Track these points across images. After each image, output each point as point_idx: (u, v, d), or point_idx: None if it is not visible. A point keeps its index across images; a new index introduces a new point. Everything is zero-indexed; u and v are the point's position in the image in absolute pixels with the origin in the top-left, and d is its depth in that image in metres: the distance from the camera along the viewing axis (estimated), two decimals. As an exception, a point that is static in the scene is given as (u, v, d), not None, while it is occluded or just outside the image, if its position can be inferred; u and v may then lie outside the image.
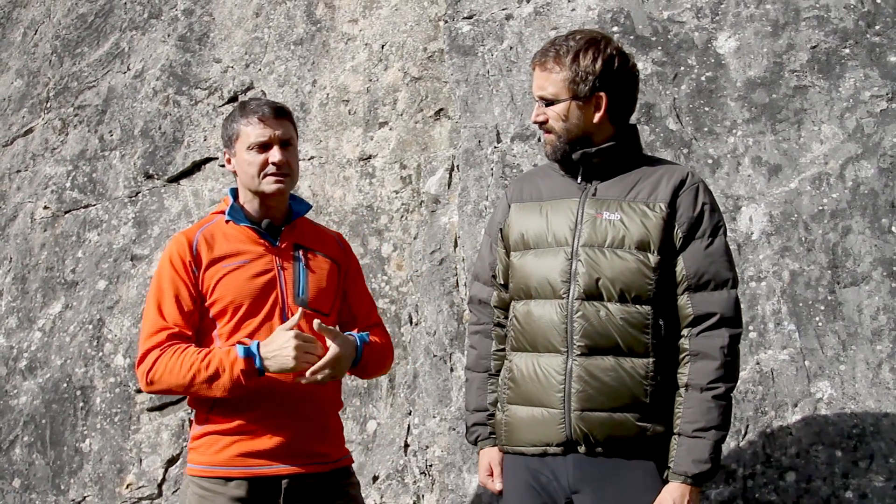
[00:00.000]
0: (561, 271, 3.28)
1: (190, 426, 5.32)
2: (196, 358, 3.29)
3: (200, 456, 3.45)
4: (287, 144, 3.50)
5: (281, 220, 3.58)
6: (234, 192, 3.61)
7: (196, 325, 3.43)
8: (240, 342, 3.35)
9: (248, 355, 3.29)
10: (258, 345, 3.32)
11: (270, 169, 3.45)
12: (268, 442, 3.40)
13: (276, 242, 3.54)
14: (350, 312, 3.75)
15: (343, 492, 3.57)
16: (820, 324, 4.39)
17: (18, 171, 6.55)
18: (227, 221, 3.53)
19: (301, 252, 3.58)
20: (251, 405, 3.39)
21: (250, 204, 3.54)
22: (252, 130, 3.46)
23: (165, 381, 3.32)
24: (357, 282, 3.81)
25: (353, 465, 3.75)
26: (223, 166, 5.83)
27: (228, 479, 3.39)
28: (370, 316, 3.79)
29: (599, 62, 3.29)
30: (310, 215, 3.82)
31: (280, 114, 3.51)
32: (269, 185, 3.47)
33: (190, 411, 5.36)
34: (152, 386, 3.35)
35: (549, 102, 3.35)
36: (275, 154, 3.45)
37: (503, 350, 3.55)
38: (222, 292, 3.41)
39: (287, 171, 3.49)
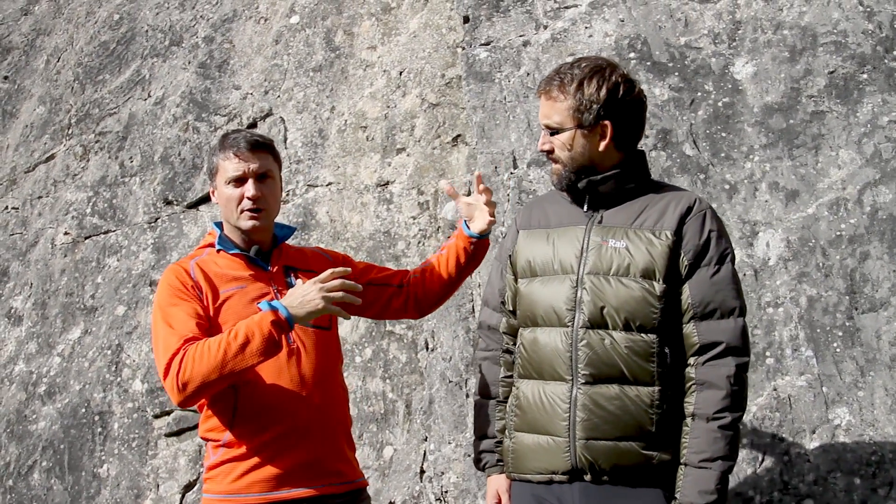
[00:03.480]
0: (566, 299, 3.26)
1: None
2: (220, 337, 3.22)
3: (217, 485, 3.42)
4: (264, 177, 3.50)
5: (269, 246, 3.59)
6: (220, 225, 3.62)
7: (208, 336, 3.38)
8: (257, 301, 3.33)
9: (273, 308, 3.23)
10: (277, 300, 3.29)
11: (246, 204, 3.46)
12: (284, 465, 3.37)
13: (268, 267, 3.54)
14: (380, 282, 3.79)
15: None
16: (838, 350, 4.34)
17: (40, 197, 6.60)
18: (218, 251, 3.53)
19: (293, 274, 3.58)
20: (265, 429, 3.36)
21: (235, 234, 3.55)
22: (228, 165, 3.48)
23: (198, 374, 3.19)
24: (358, 266, 3.81)
25: (369, 488, 3.72)
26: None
27: None
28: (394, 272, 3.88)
29: (604, 90, 3.27)
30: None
31: (256, 147, 3.50)
32: (244, 221, 3.49)
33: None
34: (185, 390, 3.20)
35: (555, 131, 3.33)
36: (249, 189, 3.45)
37: (510, 377, 3.52)
38: (224, 318, 3.39)
39: (262, 206, 3.49)
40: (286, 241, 3.69)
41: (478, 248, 3.79)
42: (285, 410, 3.38)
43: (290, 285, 3.52)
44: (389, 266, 5.33)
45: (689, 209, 3.28)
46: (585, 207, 3.36)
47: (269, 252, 3.58)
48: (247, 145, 3.48)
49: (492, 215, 3.71)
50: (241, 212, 3.47)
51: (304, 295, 3.23)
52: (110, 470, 5.53)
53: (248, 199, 3.45)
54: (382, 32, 6.05)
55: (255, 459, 3.37)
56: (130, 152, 6.39)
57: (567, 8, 5.51)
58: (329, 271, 3.26)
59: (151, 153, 6.31)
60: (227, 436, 3.40)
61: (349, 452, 3.62)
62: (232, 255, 3.52)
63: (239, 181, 3.47)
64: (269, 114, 6.07)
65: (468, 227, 3.75)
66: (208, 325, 3.35)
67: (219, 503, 3.40)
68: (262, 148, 3.53)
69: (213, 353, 3.19)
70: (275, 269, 3.55)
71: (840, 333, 4.37)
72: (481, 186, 3.70)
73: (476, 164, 5.35)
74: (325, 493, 3.44)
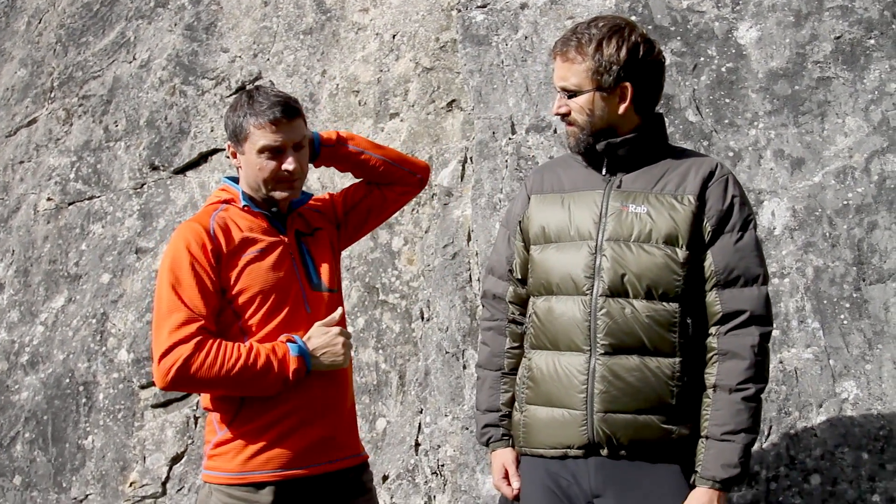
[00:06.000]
0: (584, 266, 3.15)
1: (195, 423, 5.23)
2: (239, 353, 3.12)
3: (227, 462, 3.27)
4: (299, 147, 3.35)
5: (286, 209, 3.45)
6: (235, 180, 3.47)
7: (216, 319, 3.24)
8: (289, 339, 3.22)
9: (301, 354, 3.18)
10: (303, 343, 3.22)
11: (283, 174, 3.31)
12: (299, 442, 3.25)
13: (284, 231, 3.41)
14: (360, 198, 3.73)
15: (364, 488, 3.46)
16: (845, 322, 4.26)
17: (22, 162, 6.46)
18: (243, 207, 3.37)
19: (302, 239, 3.45)
20: (279, 403, 3.23)
21: (256, 194, 3.39)
22: (264, 134, 3.27)
23: (200, 379, 3.09)
24: (337, 198, 3.73)
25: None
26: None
27: (260, 486, 3.23)
28: None
29: (624, 51, 3.16)
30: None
31: (293, 114, 3.32)
32: (279, 192, 3.34)
33: (196, 409, 5.26)
34: (177, 385, 3.12)
35: (572, 94, 3.21)
36: (289, 162, 3.29)
37: (517, 348, 3.42)
38: (247, 283, 3.25)
39: (298, 176, 3.35)
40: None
41: (334, 151, 3.62)
42: (301, 384, 3.24)
43: (303, 253, 3.41)
44: (383, 234, 5.23)
45: (712, 174, 3.18)
46: (604, 171, 3.26)
47: (285, 216, 3.45)
48: (283, 114, 3.29)
49: None
50: (278, 182, 3.32)
51: (330, 346, 3.25)
52: (95, 441, 5.42)
53: (289, 171, 3.30)
54: (374, -5, 5.92)
55: (270, 435, 3.24)
56: (115, 116, 6.24)
57: (566, -30, 5.39)
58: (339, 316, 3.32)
59: (137, 117, 6.16)
60: (239, 408, 3.26)
61: (356, 425, 3.53)
62: (255, 213, 3.37)
63: (275, 152, 3.30)
64: (258, 77, 5.93)
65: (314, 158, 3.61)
66: (217, 304, 3.22)
67: (229, 481, 3.26)
68: (297, 114, 3.35)
69: (226, 366, 3.11)
70: (290, 234, 3.42)
71: (847, 305, 4.29)
72: None
73: (472, 129, 5.23)
74: (340, 468, 3.34)
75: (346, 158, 3.65)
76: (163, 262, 3.26)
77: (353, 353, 3.35)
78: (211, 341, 3.12)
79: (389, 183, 3.72)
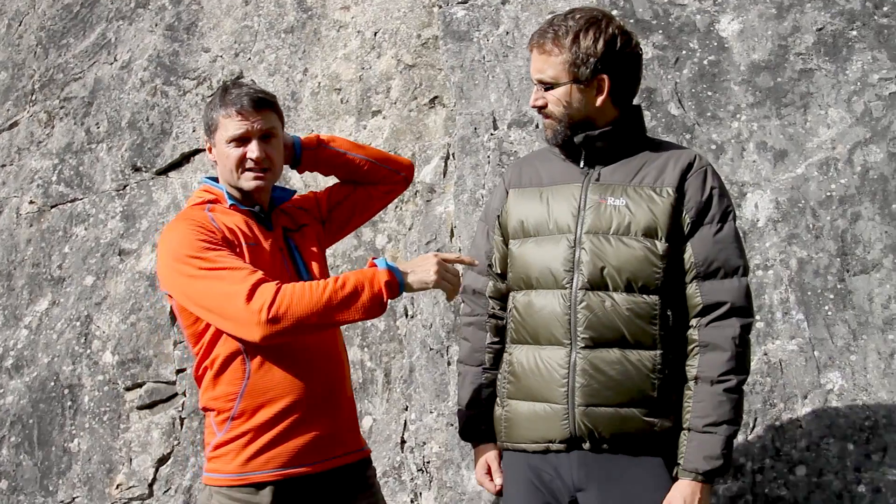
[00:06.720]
0: (563, 260, 3.14)
1: (181, 425, 5.21)
2: (325, 282, 3.02)
3: (227, 464, 3.23)
4: (268, 136, 3.31)
5: (268, 207, 3.42)
6: (215, 180, 3.44)
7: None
8: (374, 258, 3.14)
9: (390, 268, 3.07)
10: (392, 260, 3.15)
11: (248, 164, 3.27)
12: (300, 440, 3.21)
13: (271, 227, 3.38)
14: (343, 197, 3.70)
15: (367, 483, 3.45)
16: (829, 313, 4.26)
17: (3, 166, 6.43)
18: (230, 206, 3.33)
19: (289, 235, 3.42)
20: (277, 400, 3.19)
21: (234, 192, 3.36)
22: (230, 123, 3.26)
23: (296, 311, 2.96)
24: (322, 196, 3.70)
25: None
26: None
27: (260, 486, 3.19)
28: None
29: (601, 43, 3.14)
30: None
31: (261, 105, 3.29)
32: (247, 181, 3.30)
33: (181, 409, 5.24)
34: (276, 323, 2.96)
35: (549, 86, 3.20)
36: (253, 149, 3.26)
37: (498, 342, 3.40)
38: None
39: (266, 166, 3.30)
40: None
41: (316, 154, 3.60)
42: (299, 379, 3.21)
43: (291, 248, 3.38)
44: (366, 232, 5.21)
45: (690, 166, 3.17)
46: (582, 164, 3.24)
47: (269, 213, 3.42)
48: (250, 103, 3.26)
49: None
50: (244, 171, 3.28)
51: (422, 265, 3.10)
52: (81, 444, 5.40)
53: (252, 160, 3.26)
54: (356, -8, 5.90)
55: (270, 434, 3.20)
56: (97, 118, 6.21)
57: (547, -35, 5.38)
58: (457, 255, 3.21)
59: (118, 119, 6.13)
60: (237, 407, 3.22)
61: (356, 420, 3.50)
62: (242, 211, 3.33)
63: (241, 140, 3.27)
64: (239, 76, 5.90)
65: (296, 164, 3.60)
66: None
67: (229, 483, 3.22)
68: (266, 105, 3.32)
69: (316, 295, 2.99)
70: (276, 230, 3.39)
71: (831, 296, 4.28)
72: None
73: (454, 125, 5.22)
74: (342, 465, 3.32)
75: (328, 161, 3.63)
76: (172, 266, 3.15)
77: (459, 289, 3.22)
78: (287, 284, 3.04)
79: (374, 182, 3.70)
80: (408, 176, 3.79)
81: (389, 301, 3.08)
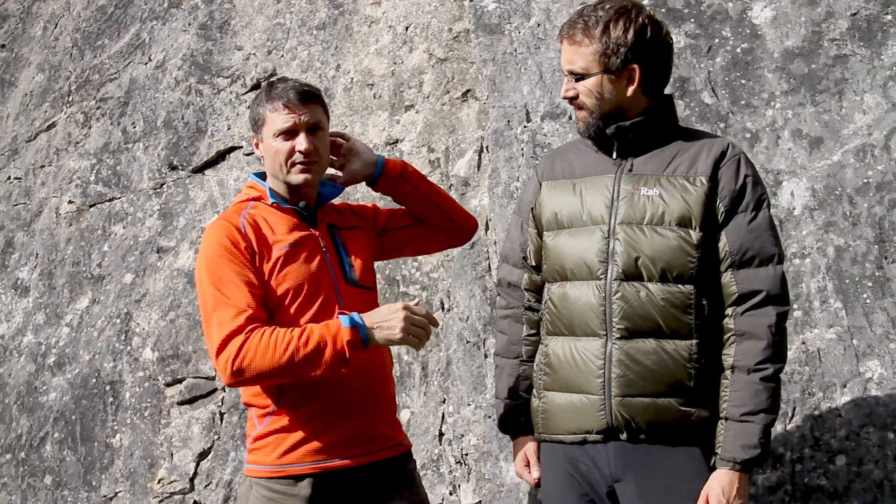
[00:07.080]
0: (598, 251, 3.14)
1: (220, 420, 5.25)
2: (291, 336, 3.07)
3: (266, 456, 3.27)
4: (315, 129, 3.33)
5: (315, 203, 3.44)
6: (262, 176, 3.47)
7: (265, 309, 3.22)
8: (340, 312, 3.16)
9: (354, 325, 3.09)
10: (358, 315, 3.15)
11: (297, 157, 3.29)
12: (338, 434, 3.24)
13: (315, 225, 3.40)
14: (405, 224, 3.73)
15: (408, 476, 3.46)
16: (868, 301, 4.22)
17: (42, 167, 6.50)
18: (272, 204, 3.36)
19: (335, 232, 3.44)
20: (317, 395, 3.22)
21: (281, 188, 3.38)
22: (277, 117, 3.29)
23: (256, 367, 3.05)
24: (382, 213, 3.74)
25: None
26: (249, 154, 5.74)
27: (299, 479, 3.23)
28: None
29: (631, 33, 3.14)
30: (337, 200, 3.68)
31: (307, 98, 3.32)
32: (295, 175, 3.32)
33: (221, 405, 5.28)
34: (240, 376, 3.07)
35: (580, 77, 3.20)
36: (301, 142, 3.28)
37: (534, 335, 3.41)
38: (279, 280, 3.23)
39: (314, 159, 3.32)
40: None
41: (394, 183, 3.64)
42: (339, 375, 3.21)
43: (337, 246, 3.40)
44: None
45: (723, 154, 3.16)
46: (614, 155, 3.24)
47: (315, 210, 3.44)
48: (297, 96, 3.30)
49: (352, 147, 3.59)
50: (292, 165, 3.31)
51: (388, 320, 3.11)
52: (123, 440, 5.46)
53: (301, 152, 3.29)
54: (387, -13, 5.92)
55: (309, 428, 3.24)
56: (133, 118, 6.26)
57: (577, -44, 5.37)
58: (417, 302, 3.18)
59: (154, 118, 6.18)
60: (277, 402, 3.25)
61: (395, 413, 3.53)
62: (284, 209, 3.36)
63: (289, 134, 3.29)
64: (272, 74, 5.94)
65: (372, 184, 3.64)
66: (262, 294, 3.20)
67: (269, 475, 3.26)
68: (313, 98, 3.35)
69: (278, 351, 3.05)
70: (321, 227, 3.41)
71: (870, 284, 4.25)
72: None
73: (487, 118, 5.22)
74: (381, 459, 3.33)
75: (403, 194, 3.67)
76: (199, 265, 3.25)
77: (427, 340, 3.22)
78: (262, 329, 3.09)
79: (436, 228, 3.73)
80: (469, 236, 3.86)
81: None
